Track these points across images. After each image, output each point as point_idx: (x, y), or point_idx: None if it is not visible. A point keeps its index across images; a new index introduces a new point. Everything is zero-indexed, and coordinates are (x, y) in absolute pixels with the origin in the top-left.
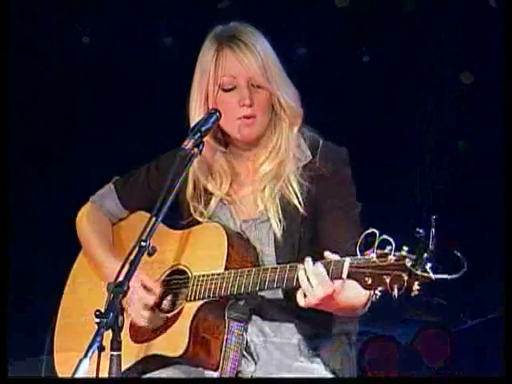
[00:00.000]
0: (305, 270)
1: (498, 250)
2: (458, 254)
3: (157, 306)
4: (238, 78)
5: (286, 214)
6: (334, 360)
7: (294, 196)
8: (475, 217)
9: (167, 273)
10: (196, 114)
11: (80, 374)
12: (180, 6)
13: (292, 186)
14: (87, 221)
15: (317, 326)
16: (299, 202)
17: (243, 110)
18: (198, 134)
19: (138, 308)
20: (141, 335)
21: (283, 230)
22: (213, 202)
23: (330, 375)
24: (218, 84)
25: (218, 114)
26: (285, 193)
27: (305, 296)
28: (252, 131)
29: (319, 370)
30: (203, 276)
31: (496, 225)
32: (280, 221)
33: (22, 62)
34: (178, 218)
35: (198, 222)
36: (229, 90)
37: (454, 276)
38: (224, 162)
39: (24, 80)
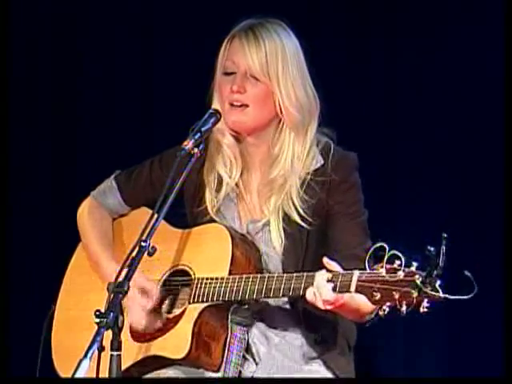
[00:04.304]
0: (313, 284)
1: (497, 250)
2: (469, 275)
3: (158, 306)
4: (238, 65)
5: (288, 226)
6: (335, 363)
7: (295, 212)
8: (475, 218)
9: (169, 272)
10: (211, 94)
11: (80, 374)
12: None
13: (293, 202)
14: (88, 217)
15: (320, 330)
16: (301, 218)
17: (233, 95)
18: (198, 134)
19: (136, 312)
20: (142, 335)
21: (286, 239)
22: (223, 189)
23: (331, 377)
24: (222, 67)
25: (218, 114)
26: (286, 208)
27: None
28: (240, 119)
29: (321, 372)
30: (207, 279)
31: (496, 225)
32: (281, 236)
33: (23, 59)
34: (194, 206)
35: (207, 215)
36: (228, 74)
37: (465, 297)
38: (236, 149)
39: (24, 78)
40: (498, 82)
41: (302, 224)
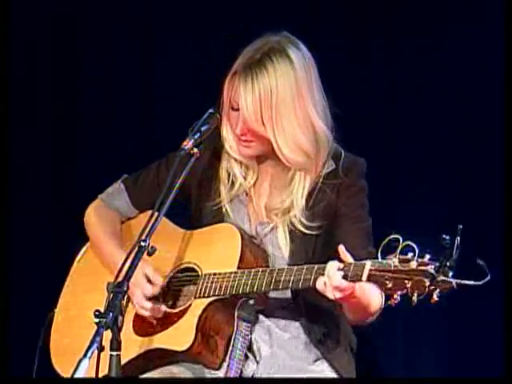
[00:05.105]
0: (324, 275)
1: (497, 250)
2: (481, 263)
3: (163, 301)
4: (239, 107)
5: (296, 232)
6: (338, 361)
7: (302, 226)
8: (475, 218)
9: (176, 270)
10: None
11: (79, 374)
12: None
13: (300, 220)
14: (97, 217)
15: (323, 327)
16: (307, 228)
17: (239, 135)
18: (198, 134)
19: (140, 298)
20: (145, 329)
21: (292, 243)
22: (235, 189)
23: (335, 376)
24: (228, 102)
25: (218, 115)
26: (293, 220)
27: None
28: (247, 152)
29: (325, 370)
30: (214, 274)
31: (496, 225)
32: (288, 241)
33: (23, 59)
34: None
35: (221, 208)
36: (236, 110)
37: (477, 283)
38: (254, 159)
39: (24, 78)
40: (498, 82)
41: (308, 232)
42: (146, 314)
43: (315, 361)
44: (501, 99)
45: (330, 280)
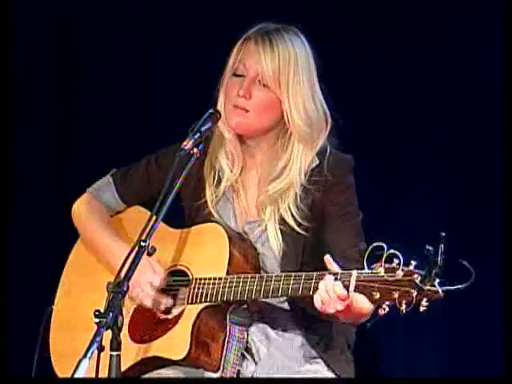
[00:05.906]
0: (325, 287)
1: (497, 250)
2: (466, 264)
3: (157, 306)
4: (248, 69)
5: (286, 230)
6: (336, 362)
7: (292, 220)
8: (475, 219)
9: (166, 273)
10: (218, 93)
11: (79, 374)
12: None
13: (291, 211)
14: (87, 210)
15: (319, 328)
16: (297, 224)
17: (238, 99)
18: (198, 134)
19: (146, 289)
20: (140, 335)
21: (283, 242)
22: (222, 186)
23: (331, 375)
24: (232, 68)
25: (218, 114)
26: (283, 213)
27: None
28: (240, 124)
29: (322, 372)
30: (205, 279)
31: (496, 225)
32: (279, 240)
33: (23, 59)
34: (194, 200)
35: (207, 209)
36: (237, 76)
37: (463, 286)
38: (238, 145)
39: (24, 78)
40: (498, 82)
41: (299, 230)
42: (151, 304)
43: (312, 361)
44: (501, 99)
45: (335, 291)
